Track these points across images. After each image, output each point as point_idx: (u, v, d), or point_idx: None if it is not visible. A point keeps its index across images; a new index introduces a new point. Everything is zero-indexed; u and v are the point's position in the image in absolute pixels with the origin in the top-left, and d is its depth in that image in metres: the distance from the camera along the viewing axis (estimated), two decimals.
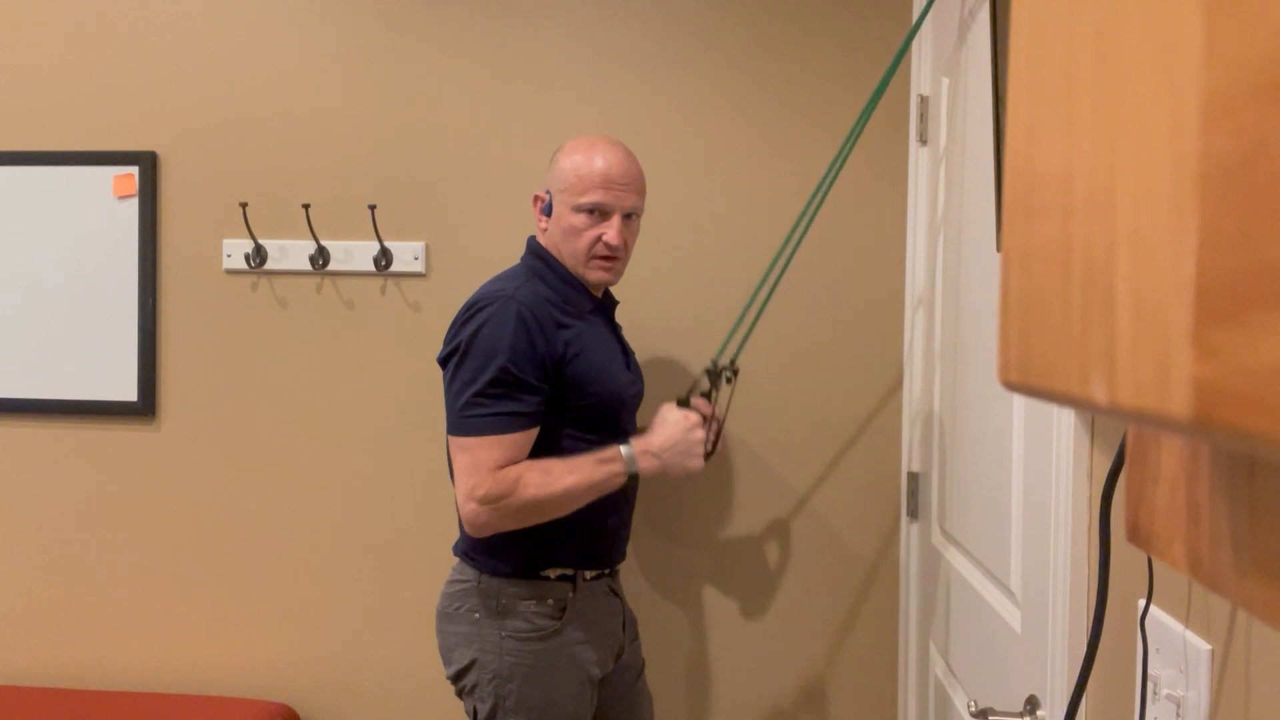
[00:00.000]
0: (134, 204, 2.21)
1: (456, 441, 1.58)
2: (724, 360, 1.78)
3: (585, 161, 1.66)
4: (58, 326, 2.23)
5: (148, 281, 2.20)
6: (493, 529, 1.56)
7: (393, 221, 2.15)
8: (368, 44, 2.16)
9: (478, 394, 1.55)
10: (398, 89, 2.15)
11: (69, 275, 2.23)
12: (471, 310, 1.60)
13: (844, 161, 1.74)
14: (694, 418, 1.63)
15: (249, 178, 2.18)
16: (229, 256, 2.19)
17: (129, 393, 2.21)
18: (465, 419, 1.56)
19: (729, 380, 1.78)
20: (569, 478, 1.56)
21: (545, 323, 1.59)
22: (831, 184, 1.74)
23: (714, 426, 1.76)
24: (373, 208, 2.11)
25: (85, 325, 2.23)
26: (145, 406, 2.21)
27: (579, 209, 1.65)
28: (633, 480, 1.71)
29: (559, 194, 1.67)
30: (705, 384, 1.78)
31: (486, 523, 1.55)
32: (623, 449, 1.60)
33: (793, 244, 1.78)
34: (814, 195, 1.75)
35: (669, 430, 1.62)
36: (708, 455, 1.68)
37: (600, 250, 1.66)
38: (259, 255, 2.17)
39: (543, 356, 1.57)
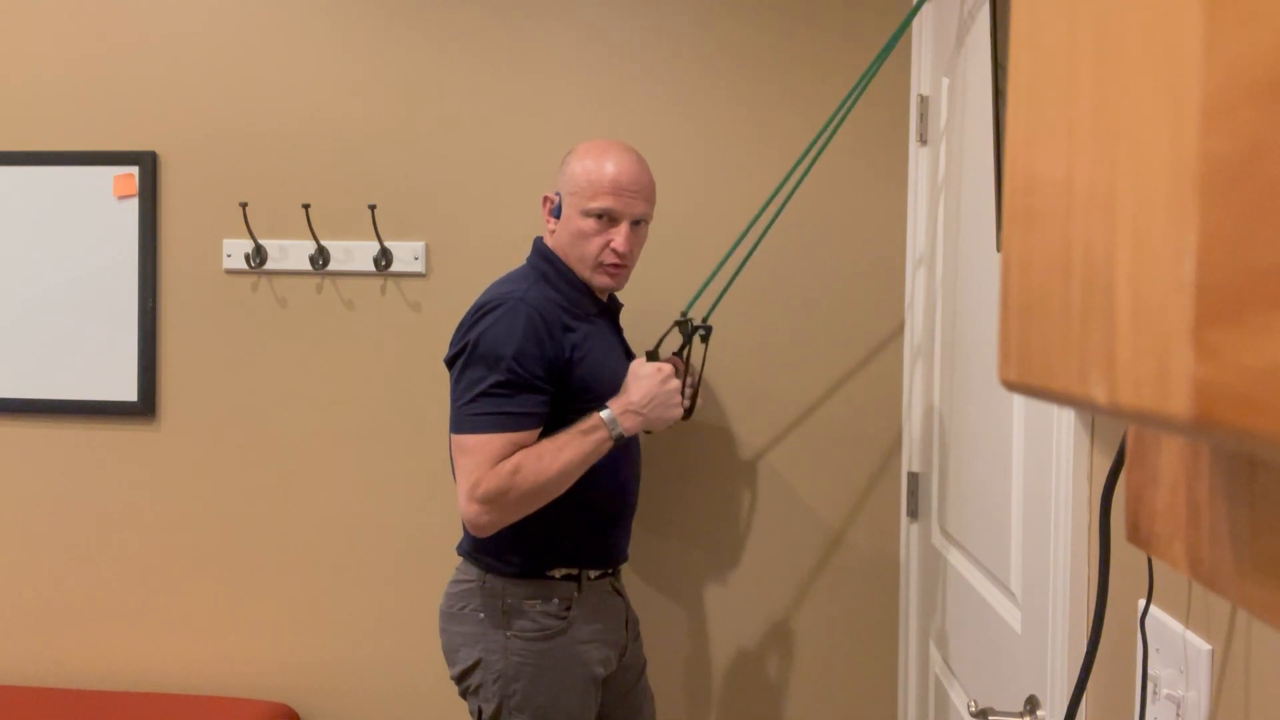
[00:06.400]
0: (134, 204, 2.21)
1: (459, 441, 1.57)
2: (698, 318, 1.79)
3: (596, 166, 1.65)
4: (58, 326, 2.23)
5: (148, 281, 2.20)
6: (495, 526, 1.56)
7: (393, 221, 2.15)
8: (368, 44, 2.16)
9: (483, 394, 1.55)
10: (398, 89, 2.15)
11: (69, 275, 2.23)
12: (481, 312, 1.60)
13: (848, 109, 1.75)
14: (667, 368, 1.63)
15: (249, 178, 2.18)
16: (229, 256, 2.19)
17: (129, 393, 2.21)
18: (469, 418, 1.56)
19: (703, 338, 1.78)
20: (562, 455, 1.56)
21: (553, 325, 1.59)
22: (835, 130, 1.74)
23: (689, 381, 1.75)
24: (373, 208, 2.11)
25: (85, 325, 2.23)
26: (145, 406, 2.21)
27: (588, 213, 1.64)
28: (633, 468, 1.73)
29: (569, 197, 1.67)
30: (676, 335, 1.78)
31: (490, 521, 1.55)
32: (603, 414, 1.59)
33: (786, 189, 1.79)
34: (815, 140, 1.75)
35: (645, 385, 1.61)
36: (687, 412, 1.67)
37: (607, 257, 1.65)
38: (259, 255, 2.17)
39: (550, 359, 1.57)
